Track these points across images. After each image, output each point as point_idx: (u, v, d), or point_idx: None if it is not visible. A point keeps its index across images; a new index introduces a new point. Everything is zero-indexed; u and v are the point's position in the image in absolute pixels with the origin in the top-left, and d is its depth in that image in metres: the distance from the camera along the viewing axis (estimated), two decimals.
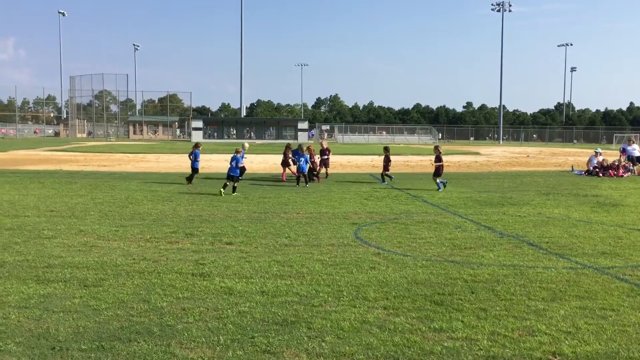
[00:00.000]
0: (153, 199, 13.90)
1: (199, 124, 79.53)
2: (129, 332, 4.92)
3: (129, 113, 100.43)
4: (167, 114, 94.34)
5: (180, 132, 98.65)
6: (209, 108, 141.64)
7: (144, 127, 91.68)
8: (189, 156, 18.46)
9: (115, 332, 4.92)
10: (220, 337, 4.84)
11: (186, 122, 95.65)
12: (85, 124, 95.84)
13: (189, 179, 17.77)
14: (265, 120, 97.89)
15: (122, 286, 6.32)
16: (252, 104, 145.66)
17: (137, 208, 12.31)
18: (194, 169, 18.02)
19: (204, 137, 76.67)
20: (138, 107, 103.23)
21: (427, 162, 26.40)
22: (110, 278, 6.65)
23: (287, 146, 20.02)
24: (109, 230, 9.69)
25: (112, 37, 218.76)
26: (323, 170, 20.35)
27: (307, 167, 18.05)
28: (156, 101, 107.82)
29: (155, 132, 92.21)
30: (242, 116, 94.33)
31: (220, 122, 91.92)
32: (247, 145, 18.49)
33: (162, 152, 41.85)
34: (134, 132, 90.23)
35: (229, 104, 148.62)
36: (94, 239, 8.96)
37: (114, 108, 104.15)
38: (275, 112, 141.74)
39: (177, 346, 4.64)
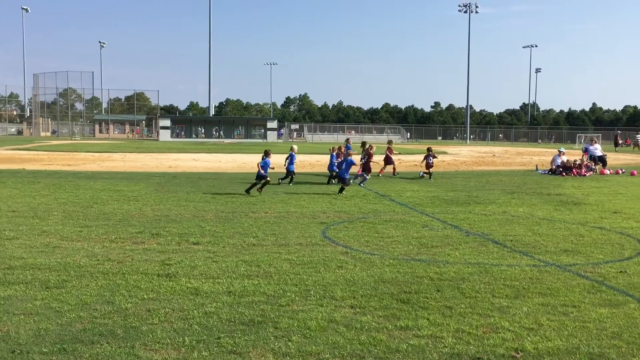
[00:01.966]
0: (119, 198, 13.69)
1: (166, 122, 78.62)
2: (91, 335, 4.83)
3: (94, 111, 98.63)
4: (134, 112, 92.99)
5: (148, 131, 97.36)
6: (177, 107, 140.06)
7: (110, 126, 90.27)
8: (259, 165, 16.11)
9: (77, 335, 4.83)
10: (186, 338, 4.79)
11: (153, 121, 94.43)
12: (50, 122, 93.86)
13: (285, 179, 18.08)
14: (234, 119, 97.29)
15: (85, 288, 6.21)
16: (220, 103, 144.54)
17: (102, 208, 12.11)
18: (289, 171, 18.10)
19: (171, 137, 75.93)
20: (104, 105, 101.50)
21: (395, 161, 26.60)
22: (73, 279, 6.52)
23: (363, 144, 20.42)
24: (72, 230, 9.51)
25: (78, 34, 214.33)
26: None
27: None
28: (123, 99, 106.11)
29: (134, 131, 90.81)
30: (211, 115, 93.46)
31: (189, 121, 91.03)
32: (295, 147, 19.02)
33: (129, 151, 41.24)
34: (100, 131, 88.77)
35: (197, 102, 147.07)
36: (57, 239, 8.78)
37: (79, 106, 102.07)
38: (244, 111, 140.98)
39: (142, 348, 4.57)
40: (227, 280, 6.58)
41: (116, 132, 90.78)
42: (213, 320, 5.24)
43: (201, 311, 5.47)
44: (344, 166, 15.69)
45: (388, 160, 22.18)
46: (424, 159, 21.01)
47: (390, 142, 25.26)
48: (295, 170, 18.47)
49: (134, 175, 20.36)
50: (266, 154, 15.54)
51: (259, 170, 15.07)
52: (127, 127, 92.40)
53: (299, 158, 19.79)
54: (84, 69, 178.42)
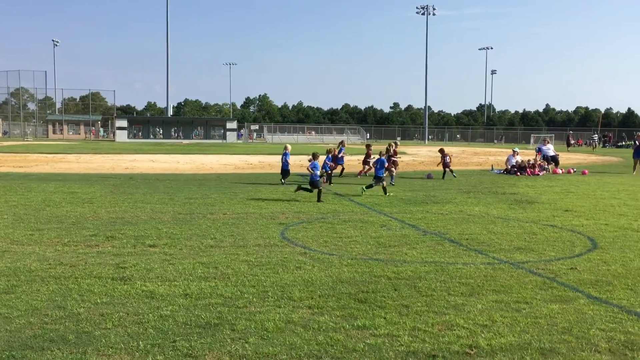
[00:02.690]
0: (72, 201, 13.37)
1: (123, 123, 77.23)
2: (42, 341, 4.70)
3: (48, 112, 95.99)
4: (90, 112, 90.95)
5: (104, 131, 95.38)
6: (134, 107, 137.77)
7: (65, 127, 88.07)
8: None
9: (27, 341, 4.69)
10: (140, 342, 4.71)
11: (110, 122, 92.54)
12: (1, 122, 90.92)
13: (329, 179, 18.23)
14: (192, 119, 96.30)
15: (36, 292, 6.04)
16: (179, 103, 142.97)
17: (54, 211, 11.80)
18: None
19: (128, 137, 74.60)
20: (58, 105, 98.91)
21: (355, 161, 26.76)
22: (24, 284, 6.33)
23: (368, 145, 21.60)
24: (23, 234, 9.24)
25: (29, 32, 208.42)
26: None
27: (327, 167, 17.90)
28: (78, 99, 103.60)
29: (90, 132, 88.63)
30: (169, 115, 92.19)
31: (146, 121, 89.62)
32: (289, 147, 19.38)
33: (84, 152, 40.33)
34: (54, 132, 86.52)
35: (155, 103, 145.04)
36: (6, 243, 8.51)
37: (31, 106, 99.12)
38: (204, 111, 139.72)
39: (94, 353, 4.47)
40: (183, 283, 6.49)
41: (71, 133, 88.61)
42: (168, 323, 5.17)
43: (156, 314, 5.39)
44: (377, 165, 15.86)
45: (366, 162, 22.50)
46: (442, 160, 21.73)
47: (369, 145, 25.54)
48: (258, 171, 18.43)
49: (89, 177, 19.91)
50: (314, 156, 15.29)
51: (311, 175, 14.68)
52: (82, 127, 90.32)
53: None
54: (37, 68, 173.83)
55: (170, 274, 6.86)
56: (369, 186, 15.63)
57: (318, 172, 14.77)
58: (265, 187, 17.08)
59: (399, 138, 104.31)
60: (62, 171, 22.82)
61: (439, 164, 22.17)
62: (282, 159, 18.83)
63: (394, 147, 20.54)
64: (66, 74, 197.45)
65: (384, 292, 6.25)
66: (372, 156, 21.94)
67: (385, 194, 15.36)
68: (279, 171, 19.49)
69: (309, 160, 15.30)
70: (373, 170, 20.97)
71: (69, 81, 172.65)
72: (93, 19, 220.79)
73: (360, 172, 22.27)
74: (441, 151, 22.52)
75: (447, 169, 21.61)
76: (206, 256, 7.83)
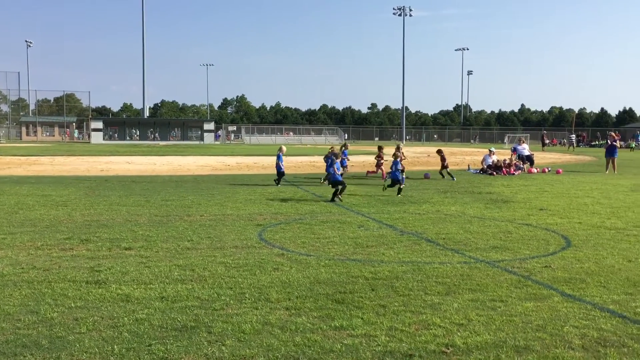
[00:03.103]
0: (46, 204, 13.16)
1: (98, 124, 76.32)
2: (14, 346, 4.62)
3: (21, 113, 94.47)
4: (64, 114, 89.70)
5: (79, 133, 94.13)
6: (109, 108, 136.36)
7: (39, 128, 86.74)
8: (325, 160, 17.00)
9: None
10: (115, 346, 4.65)
11: (85, 123, 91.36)
12: None
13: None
14: (169, 120, 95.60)
15: (8, 297, 5.93)
16: (156, 105, 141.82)
17: (28, 214, 11.60)
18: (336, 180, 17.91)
19: (104, 139, 73.75)
20: (32, 107, 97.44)
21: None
22: None
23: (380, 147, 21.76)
24: None
25: (1, 33, 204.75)
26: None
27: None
28: (52, 101, 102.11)
29: (65, 134, 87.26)
30: (146, 117, 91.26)
31: (122, 122, 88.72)
32: (284, 148, 19.40)
33: (58, 154, 39.76)
34: (27, 134, 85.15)
35: (131, 104, 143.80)
36: None
37: (4, 108, 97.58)
38: (181, 112, 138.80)
39: (67, 358, 4.40)
40: (159, 286, 6.43)
41: (45, 135, 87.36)
42: (144, 327, 5.11)
43: (132, 318, 5.33)
44: (393, 167, 15.93)
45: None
46: (442, 161, 21.68)
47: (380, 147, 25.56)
48: (238, 172, 18.36)
49: (63, 179, 19.62)
50: (336, 155, 15.65)
51: (334, 174, 14.87)
52: (57, 129, 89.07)
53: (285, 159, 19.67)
54: (9, 69, 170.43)
55: (146, 277, 6.79)
56: (392, 186, 15.80)
57: (339, 173, 15.00)
58: (242, 189, 17.01)
59: (376, 138, 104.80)
60: (35, 174, 22.46)
61: (443, 166, 21.59)
62: (276, 160, 18.68)
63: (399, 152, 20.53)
64: (40, 75, 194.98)
65: (362, 292, 6.26)
66: (384, 158, 22.12)
67: (398, 194, 15.48)
68: (267, 172, 19.42)
69: (333, 161, 15.27)
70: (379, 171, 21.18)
71: (43, 82, 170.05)
72: (67, 19, 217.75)
73: (372, 172, 22.40)
74: (439, 152, 22.34)
75: (446, 170, 21.47)
76: (183, 258, 7.77)
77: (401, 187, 15.77)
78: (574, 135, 67.53)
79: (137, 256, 7.90)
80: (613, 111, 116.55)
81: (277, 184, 18.06)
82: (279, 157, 18.51)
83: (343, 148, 21.45)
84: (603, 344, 4.83)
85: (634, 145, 60.86)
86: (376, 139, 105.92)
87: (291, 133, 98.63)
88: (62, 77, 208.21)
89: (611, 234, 9.93)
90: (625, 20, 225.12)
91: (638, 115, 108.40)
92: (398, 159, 16.12)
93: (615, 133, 29.35)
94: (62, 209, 12.39)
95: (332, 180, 14.91)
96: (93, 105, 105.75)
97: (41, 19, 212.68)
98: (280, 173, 18.42)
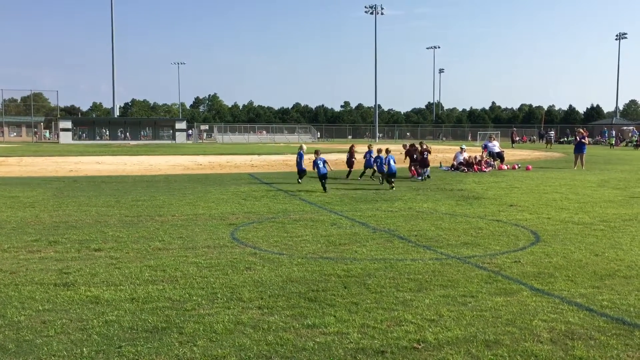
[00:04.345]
0: (13, 205, 12.89)
1: (67, 124, 74.98)
2: None
3: None
4: (32, 114, 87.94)
5: (50, 133, 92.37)
6: (79, 108, 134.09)
7: (5, 129, 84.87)
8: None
9: None
10: (84, 349, 4.58)
11: (53, 123, 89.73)
12: None
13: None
14: (140, 120, 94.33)
15: None
16: (126, 104, 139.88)
17: None
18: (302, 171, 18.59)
19: (73, 139, 72.52)
20: None
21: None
22: None
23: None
24: None
25: None
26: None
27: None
28: (19, 100, 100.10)
29: (34, 134, 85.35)
30: (116, 116, 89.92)
31: (92, 122, 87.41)
32: (305, 147, 19.85)
33: (26, 154, 38.98)
34: None
35: (100, 103, 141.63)
36: None
37: None
38: (152, 111, 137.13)
39: None
40: (130, 287, 6.35)
41: (12, 135, 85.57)
42: (114, 329, 5.04)
43: (101, 320, 5.25)
44: (379, 162, 17.38)
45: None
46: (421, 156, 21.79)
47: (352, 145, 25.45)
48: (210, 171, 18.19)
49: (31, 180, 19.24)
50: (317, 152, 17.10)
51: (318, 169, 16.41)
52: (24, 129, 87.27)
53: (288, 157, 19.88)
54: None
55: (116, 278, 6.70)
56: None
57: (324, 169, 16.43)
58: (215, 188, 16.89)
59: (350, 136, 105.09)
60: (2, 175, 21.97)
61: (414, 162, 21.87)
62: (296, 159, 18.92)
63: (424, 148, 21.47)
64: (6, 74, 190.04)
65: (334, 290, 6.27)
66: (355, 156, 22.21)
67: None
68: (228, 172, 19.29)
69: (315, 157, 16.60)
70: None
71: (9, 81, 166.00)
72: (34, 15, 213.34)
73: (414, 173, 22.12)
74: (409, 147, 22.74)
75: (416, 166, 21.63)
76: (154, 259, 7.69)
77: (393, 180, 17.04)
78: (552, 132, 68.54)
79: (107, 257, 7.79)
80: (581, 108, 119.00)
81: (299, 182, 18.36)
82: (300, 156, 18.67)
83: (351, 149, 22.04)
84: (571, 337, 4.92)
85: (613, 142, 62.41)
86: (349, 137, 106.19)
87: (264, 132, 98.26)
88: (29, 76, 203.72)
89: (579, 229, 10.12)
90: (595, 24, 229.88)
91: (605, 112, 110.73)
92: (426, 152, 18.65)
93: (583, 130, 29.85)
94: (30, 210, 12.15)
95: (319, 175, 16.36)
96: (61, 105, 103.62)
97: (7, 16, 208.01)
98: (301, 171, 18.45)
